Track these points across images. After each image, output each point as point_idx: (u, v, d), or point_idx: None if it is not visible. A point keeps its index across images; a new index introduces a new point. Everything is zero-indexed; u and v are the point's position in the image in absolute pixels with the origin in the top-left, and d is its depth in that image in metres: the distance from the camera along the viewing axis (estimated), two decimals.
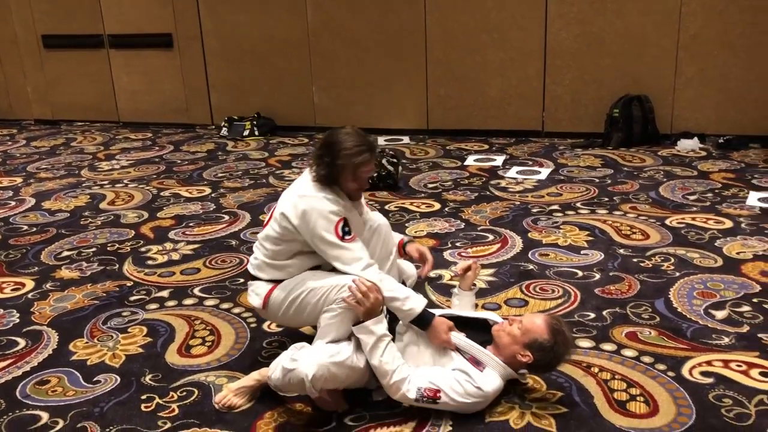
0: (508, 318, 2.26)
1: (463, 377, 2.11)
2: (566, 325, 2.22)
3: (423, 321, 2.22)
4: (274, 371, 2.17)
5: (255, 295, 2.39)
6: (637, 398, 2.23)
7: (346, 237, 2.24)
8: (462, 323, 2.31)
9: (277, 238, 2.32)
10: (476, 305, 2.67)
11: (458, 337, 2.23)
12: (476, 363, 2.17)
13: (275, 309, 2.35)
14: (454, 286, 2.65)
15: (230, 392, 2.26)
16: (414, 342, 2.26)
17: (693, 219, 3.78)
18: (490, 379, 2.14)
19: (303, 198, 2.26)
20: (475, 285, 2.61)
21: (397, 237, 2.63)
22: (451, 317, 2.31)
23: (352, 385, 2.19)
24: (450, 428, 2.11)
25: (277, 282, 2.35)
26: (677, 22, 5.24)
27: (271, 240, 2.34)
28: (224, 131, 6.30)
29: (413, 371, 2.15)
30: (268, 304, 2.35)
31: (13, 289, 3.21)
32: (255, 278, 2.41)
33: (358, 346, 2.17)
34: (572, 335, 2.27)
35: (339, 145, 2.24)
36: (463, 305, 2.55)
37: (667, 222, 3.74)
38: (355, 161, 2.24)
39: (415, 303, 2.23)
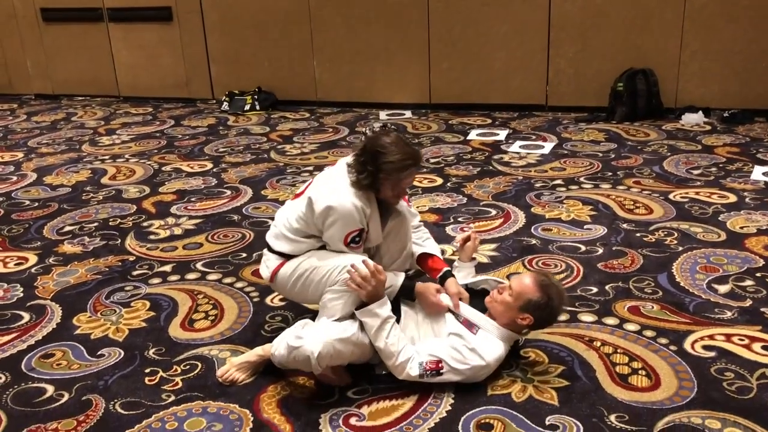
0: (498, 287, 2.27)
1: (459, 342, 2.13)
2: (553, 277, 2.25)
3: (408, 291, 2.29)
4: (277, 348, 2.17)
5: (265, 267, 2.41)
6: (639, 372, 2.23)
7: (352, 245, 2.26)
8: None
9: (300, 217, 2.31)
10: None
11: (465, 309, 2.24)
12: (469, 325, 2.19)
13: (282, 283, 2.37)
14: (455, 261, 2.64)
15: (233, 366, 2.27)
16: (411, 316, 2.28)
17: (697, 193, 3.76)
18: (487, 342, 2.15)
19: (334, 195, 2.23)
20: (475, 257, 2.61)
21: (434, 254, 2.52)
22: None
23: (356, 360, 2.20)
24: (452, 401, 2.12)
25: (287, 257, 2.35)
26: None
27: (296, 216, 2.33)
28: (225, 106, 6.26)
29: (416, 349, 2.15)
30: (276, 279, 2.37)
31: (16, 264, 3.21)
32: (269, 248, 2.40)
33: (363, 324, 2.17)
34: (561, 286, 2.27)
35: (384, 157, 2.19)
36: (462, 278, 2.55)
37: (671, 196, 3.73)
38: (400, 176, 2.22)
39: (393, 279, 2.28)
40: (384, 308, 2.14)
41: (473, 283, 2.45)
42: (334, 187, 2.27)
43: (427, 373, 2.11)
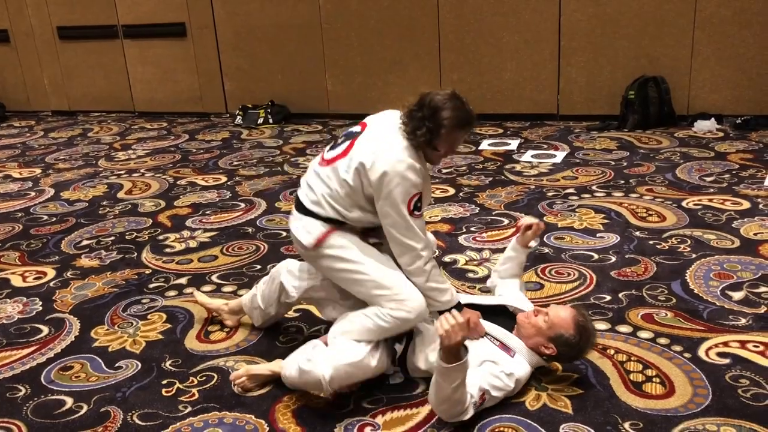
0: (534, 308, 2.25)
1: (497, 369, 2.09)
2: (590, 318, 2.22)
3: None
4: (288, 369, 2.17)
5: (306, 232, 2.21)
6: (653, 379, 2.23)
7: (415, 212, 2.10)
8: (484, 311, 2.29)
9: (345, 181, 2.14)
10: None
11: (487, 324, 2.22)
12: (506, 349, 2.16)
13: (320, 258, 2.21)
14: (469, 272, 2.65)
15: (246, 374, 2.29)
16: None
17: (710, 200, 3.75)
18: (521, 366, 2.14)
19: (389, 158, 2.07)
20: (531, 245, 2.53)
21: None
22: (471, 306, 2.30)
23: (367, 378, 2.19)
24: None
25: (334, 225, 2.19)
26: (693, 2, 5.17)
27: (339, 181, 2.16)
28: (239, 119, 6.32)
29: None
30: (320, 248, 2.19)
31: (35, 278, 3.26)
32: (308, 212, 2.22)
33: (375, 346, 2.16)
34: (595, 329, 2.25)
35: (445, 113, 2.07)
36: (511, 267, 2.52)
37: (684, 204, 3.72)
38: (459, 134, 2.13)
39: (451, 296, 2.21)
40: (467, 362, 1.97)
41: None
42: (387, 148, 2.10)
43: (476, 406, 2.04)
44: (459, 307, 2.20)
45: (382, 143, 2.13)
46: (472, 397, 2.01)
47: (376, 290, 2.16)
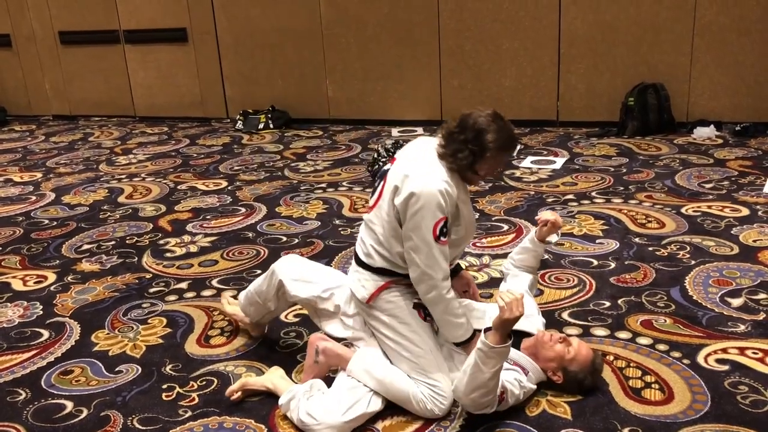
0: (550, 334, 2.20)
1: (517, 376, 2.11)
2: (603, 362, 2.25)
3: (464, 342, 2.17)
4: (288, 409, 2.14)
5: (361, 286, 2.21)
6: (652, 385, 2.24)
7: (441, 239, 2.02)
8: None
9: (384, 217, 2.11)
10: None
11: None
12: (521, 367, 2.16)
13: (371, 316, 2.21)
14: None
15: (241, 388, 2.27)
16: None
17: (709, 207, 3.76)
18: (530, 384, 2.15)
19: (419, 179, 2.02)
20: (550, 240, 2.48)
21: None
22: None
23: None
24: (465, 415, 2.13)
25: (388, 280, 2.17)
26: (692, 9, 5.19)
27: (381, 221, 2.13)
28: (239, 124, 6.34)
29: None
30: (372, 307, 2.19)
31: (35, 282, 3.27)
32: (363, 264, 2.22)
33: (376, 393, 2.14)
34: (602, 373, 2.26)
35: (490, 135, 2.03)
36: (527, 258, 2.50)
37: (683, 210, 3.73)
38: (503, 157, 2.10)
39: (465, 331, 2.15)
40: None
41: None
42: (418, 169, 2.05)
43: (498, 404, 2.05)
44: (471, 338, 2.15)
45: (415, 165, 2.10)
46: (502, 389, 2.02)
47: (414, 373, 2.12)
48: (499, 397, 2.04)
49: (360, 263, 2.24)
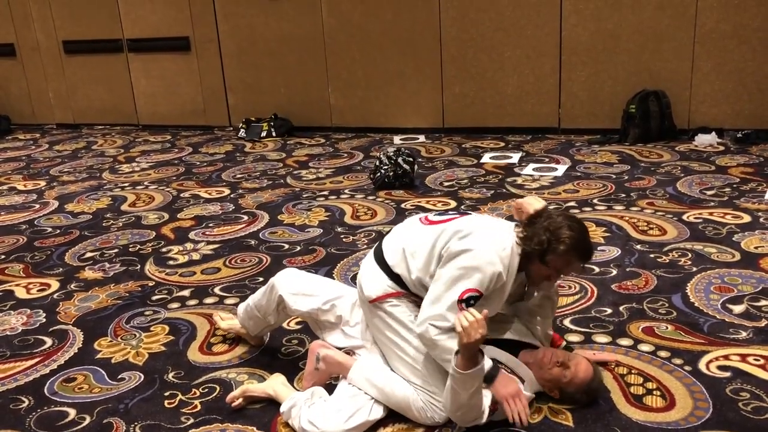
0: (561, 357, 2.16)
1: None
2: (600, 381, 2.23)
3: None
4: (289, 417, 2.14)
5: (372, 284, 2.19)
6: (654, 392, 2.24)
7: (462, 305, 1.98)
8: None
9: (432, 243, 2.11)
10: None
11: (496, 351, 2.19)
12: (518, 376, 2.15)
13: (374, 315, 2.19)
14: None
15: (242, 395, 2.28)
16: None
17: (710, 214, 3.77)
18: (528, 392, 2.15)
19: (483, 243, 2.02)
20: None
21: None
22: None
23: None
24: None
25: (399, 289, 2.16)
26: (693, 17, 5.21)
27: (427, 241, 2.13)
28: (242, 132, 6.36)
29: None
30: (376, 307, 2.18)
31: (39, 290, 3.28)
32: (384, 263, 2.20)
33: (377, 401, 2.15)
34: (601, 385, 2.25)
35: (568, 232, 2.02)
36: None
37: (685, 217, 3.73)
38: (573, 259, 2.06)
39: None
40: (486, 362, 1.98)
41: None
42: (489, 235, 2.06)
43: (491, 413, 2.06)
44: (496, 371, 2.10)
45: (490, 228, 2.09)
46: (489, 402, 2.01)
47: (413, 377, 2.12)
48: (492, 407, 2.04)
49: (380, 260, 2.22)
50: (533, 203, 2.22)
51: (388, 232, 2.33)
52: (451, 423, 2.12)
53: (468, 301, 1.99)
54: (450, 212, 2.23)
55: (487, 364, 2.01)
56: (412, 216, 2.34)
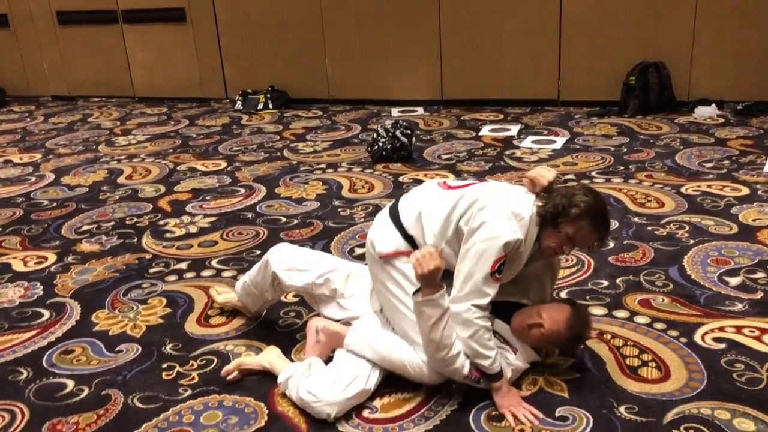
0: (526, 319, 2.14)
1: (505, 362, 2.11)
2: (582, 309, 2.21)
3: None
4: (287, 388, 2.15)
5: (384, 240, 2.18)
6: (649, 364, 2.25)
7: (496, 275, 1.99)
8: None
9: (449, 208, 2.09)
10: None
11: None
12: (511, 346, 2.16)
13: (381, 270, 2.18)
14: None
15: (237, 368, 2.28)
16: None
17: (709, 186, 3.76)
18: (520, 363, 2.15)
19: (499, 211, 2.01)
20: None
21: None
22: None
23: None
24: (464, 390, 2.14)
25: (411, 249, 2.11)
26: None
27: (445, 206, 2.11)
28: (238, 105, 6.32)
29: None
30: (386, 263, 2.16)
31: (36, 263, 3.28)
32: (398, 221, 2.19)
33: (374, 366, 2.15)
34: (589, 320, 2.23)
35: (583, 198, 2.01)
36: None
37: (683, 190, 3.72)
38: (586, 227, 2.02)
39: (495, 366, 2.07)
40: (445, 298, 1.99)
41: None
42: (506, 201, 2.05)
43: (471, 378, 2.06)
44: (499, 376, 2.08)
45: (508, 197, 2.08)
46: (462, 355, 2.02)
47: (412, 331, 2.11)
48: (477, 374, 2.04)
49: (395, 217, 2.20)
50: (545, 174, 2.17)
51: (405, 193, 2.29)
52: (451, 394, 2.14)
53: (500, 268, 2.00)
54: (469, 178, 2.21)
55: (496, 366, 2.04)
56: (431, 180, 2.32)
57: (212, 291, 2.79)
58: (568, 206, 2.02)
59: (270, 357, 2.31)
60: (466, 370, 2.05)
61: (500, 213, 2.02)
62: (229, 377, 2.27)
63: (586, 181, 3.95)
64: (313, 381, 2.11)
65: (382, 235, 2.21)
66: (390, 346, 2.15)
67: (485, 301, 2.01)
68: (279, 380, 2.19)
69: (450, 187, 2.20)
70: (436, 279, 1.95)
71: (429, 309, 1.97)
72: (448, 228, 2.11)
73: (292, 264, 2.40)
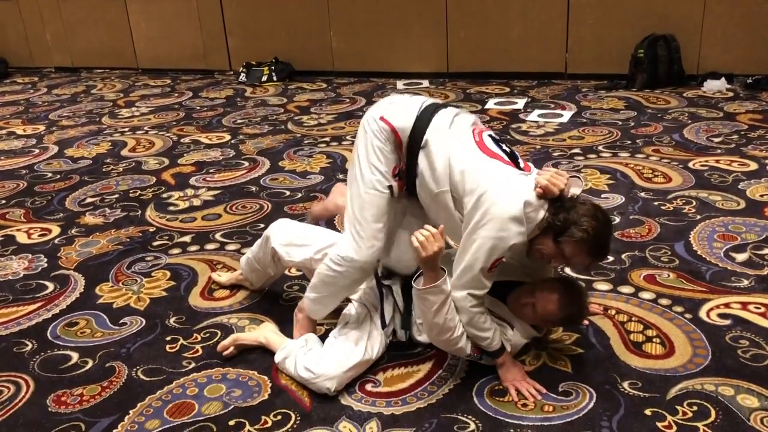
0: (520, 296, 2.12)
1: (504, 338, 2.10)
2: (576, 284, 2.18)
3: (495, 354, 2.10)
4: (285, 367, 2.15)
5: (397, 116, 2.10)
6: (653, 340, 2.24)
7: (492, 270, 1.98)
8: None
9: (459, 169, 2.00)
10: None
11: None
12: (507, 322, 2.15)
13: (363, 135, 2.14)
14: None
15: (233, 343, 2.28)
16: None
17: (717, 161, 3.72)
18: (517, 338, 2.14)
19: (510, 211, 1.92)
20: (574, 194, 2.15)
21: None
22: None
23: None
24: (466, 367, 2.15)
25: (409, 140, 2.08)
26: None
27: (457, 144, 2.04)
28: (242, 77, 6.27)
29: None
30: (375, 135, 2.11)
31: (40, 235, 3.28)
32: (421, 123, 2.10)
33: (369, 336, 2.15)
34: (583, 290, 2.20)
35: (588, 222, 1.91)
36: None
37: (690, 165, 3.69)
38: (581, 251, 1.94)
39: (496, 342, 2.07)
40: (447, 283, 1.98)
41: None
42: (515, 202, 1.92)
43: (474, 356, 2.07)
44: (500, 352, 2.09)
45: (520, 195, 1.94)
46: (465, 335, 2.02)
47: (352, 210, 2.09)
48: (477, 351, 2.05)
49: (420, 118, 2.10)
50: (557, 182, 2.00)
51: (446, 105, 2.20)
52: (454, 369, 2.14)
53: (496, 266, 1.98)
54: (504, 145, 2.11)
55: (495, 344, 2.04)
56: (469, 116, 2.19)
57: (214, 275, 2.78)
58: (574, 225, 1.93)
59: (266, 333, 2.31)
60: (468, 349, 2.05)
61: (511, 212, 1.93)
62: (226, 353, 2.27)
63: (592, 156, 3.91)
64: (311, 357, 2.11)
65: (398, 112, 2.11)
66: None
67: (482, 291, 2.01)
68: (276, 359, 2.19)
69: (480, 145, 2.07)
70: (437, 262, 1.93)
71: (432, 296, 1.96)
72: (451, 187, 2.02)
73: (291, 239, 2.39)
